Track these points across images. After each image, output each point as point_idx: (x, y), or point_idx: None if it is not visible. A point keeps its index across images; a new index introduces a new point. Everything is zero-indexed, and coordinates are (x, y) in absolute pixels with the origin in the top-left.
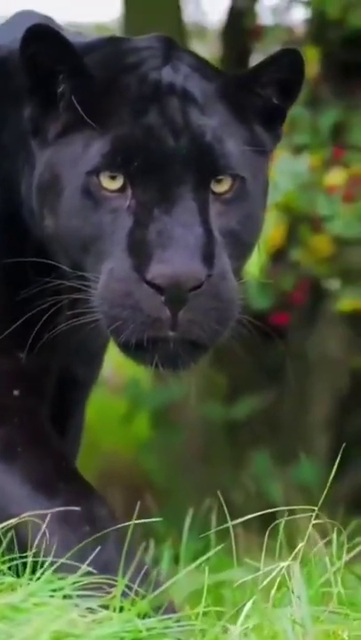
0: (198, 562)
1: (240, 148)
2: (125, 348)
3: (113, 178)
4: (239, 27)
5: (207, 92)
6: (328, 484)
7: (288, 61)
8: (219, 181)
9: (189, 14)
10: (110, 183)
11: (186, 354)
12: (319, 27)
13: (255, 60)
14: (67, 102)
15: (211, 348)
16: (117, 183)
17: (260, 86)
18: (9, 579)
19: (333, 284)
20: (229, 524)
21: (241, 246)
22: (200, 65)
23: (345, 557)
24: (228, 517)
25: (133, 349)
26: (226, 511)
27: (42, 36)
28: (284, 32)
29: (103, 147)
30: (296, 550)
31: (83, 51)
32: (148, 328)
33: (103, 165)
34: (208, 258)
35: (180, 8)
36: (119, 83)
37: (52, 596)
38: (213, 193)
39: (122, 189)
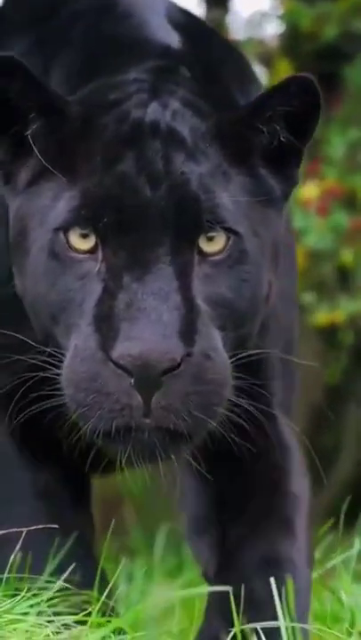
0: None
1: (235, 198)
2: (94, 436)
3: (84, 236)
4: None
5: (198, 131)
6: None
7: (297, 90)
8: (210, 239)
9: None
10: (81, 242)
11: (163, 444)
12: (292, 40)
13: None
14: (38, 146)
15: (195, 437)
16: (89, 243)
17: (264, 122)
18: None
19: (308, 298)
20: None
21: (235, 316)
22: (195, 99)
23: (319, 571)
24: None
25: (102, 438)
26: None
27: (8, 70)
28: (258, 45)
29: (71, 200)
30: None
31: (75, 87)
32: (117, 415)
33: (70, 222)
34: (187, 333)
35: None
36: (96, 123)
37: (26, 613)
38: (202, 253)
39: (93, 250)
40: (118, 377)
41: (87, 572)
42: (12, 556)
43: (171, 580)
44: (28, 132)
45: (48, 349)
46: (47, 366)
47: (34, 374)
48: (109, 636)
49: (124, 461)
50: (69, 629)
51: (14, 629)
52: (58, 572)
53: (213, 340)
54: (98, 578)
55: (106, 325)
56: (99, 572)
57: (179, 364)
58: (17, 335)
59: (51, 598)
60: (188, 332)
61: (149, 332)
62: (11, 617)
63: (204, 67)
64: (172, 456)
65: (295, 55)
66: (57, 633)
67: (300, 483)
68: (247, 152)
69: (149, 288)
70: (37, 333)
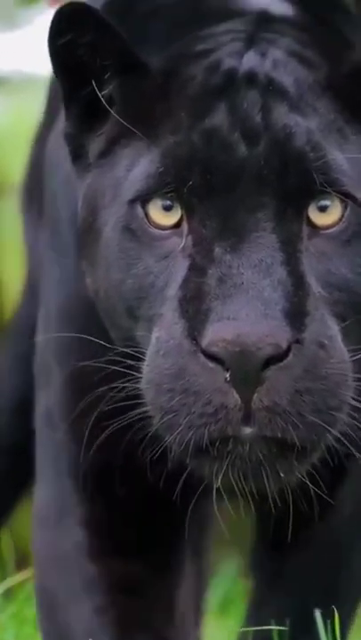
0: None
1: (352, 158)
2: (182, 452)
3: (167, 209)
4: None
5: (305, 82)
6: None
7: None
8: (323, 209)
9: None
10: (163, 217)
11: (272, 460)
12: None
13: None
14: (115, 109)
15: (311, 450)
16: (173, 217)
17: None
18: None
19: None
20: None
21: (357, 303)
22: (302, 48)
23: None
24: None
25: (193, 455)
26: None
27: (79, 20)
28: None
29: (150, 164)
30: None
31: (162, 43)
32: (210, 421)
33: (149, 190)
34: (295, 315)
35: None
36: (181, 76)
37: None
38: (314, 226)
39: (178, 224)
40: (210, 371)
41: None
42: None
43: None
44: (105, 91)
45: (127, 350)
46: (128, 371)
47: (105, 388)
48: None
49: (219, 482)
50: None
51: None
52: None
53: (329, 327)
54: None
55: (194, 308)
56: None
57: (286, 353)
58: (90, 338)
59: None
60: (297, 313)
61: (247, 310)
62: None
63: (317, 11)
64: (283, 475)
65: None
66: None
67: None
68: None
69: (247, 259)
70: (117, 342)
